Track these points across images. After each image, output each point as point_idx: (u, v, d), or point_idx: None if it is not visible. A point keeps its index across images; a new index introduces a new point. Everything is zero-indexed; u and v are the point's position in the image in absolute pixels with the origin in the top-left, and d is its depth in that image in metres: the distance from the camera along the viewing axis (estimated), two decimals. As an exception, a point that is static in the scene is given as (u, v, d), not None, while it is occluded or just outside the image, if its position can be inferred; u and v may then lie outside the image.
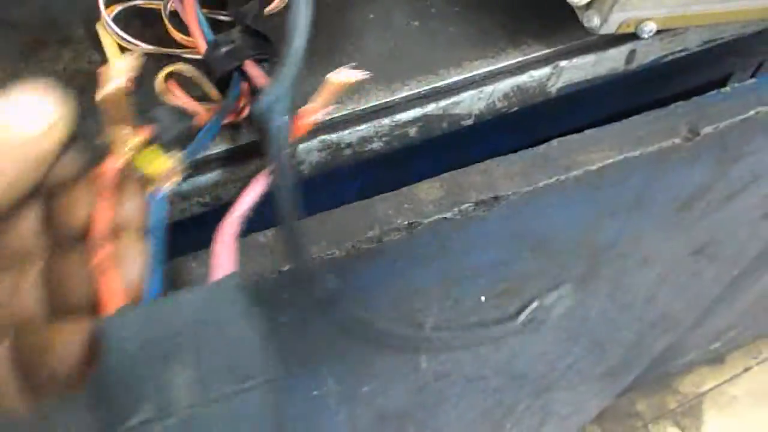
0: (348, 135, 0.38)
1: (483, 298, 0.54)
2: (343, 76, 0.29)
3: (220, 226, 0.28)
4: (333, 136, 0.38)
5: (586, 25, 0.39)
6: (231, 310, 0.24)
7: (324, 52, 0.40)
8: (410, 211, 0.41)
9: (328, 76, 0.29)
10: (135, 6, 0.40)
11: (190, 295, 0.25)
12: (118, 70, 0.26)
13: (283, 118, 0.29)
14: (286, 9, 0.40)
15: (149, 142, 0.30)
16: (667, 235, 0.60)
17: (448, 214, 0.41)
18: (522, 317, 0.59)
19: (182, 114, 0.34)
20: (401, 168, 0.47)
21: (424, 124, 0.40)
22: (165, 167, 0.28)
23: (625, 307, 0.73)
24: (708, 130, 0.46)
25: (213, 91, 0.36)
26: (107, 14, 0.38)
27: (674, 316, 0.84)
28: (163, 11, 0.39)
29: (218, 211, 0.38)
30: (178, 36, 0.38)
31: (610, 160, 0.44)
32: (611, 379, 0.99)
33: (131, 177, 0.28)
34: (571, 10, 0.40)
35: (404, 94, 0.39)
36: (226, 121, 0.35)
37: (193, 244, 0.37)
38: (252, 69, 0.34)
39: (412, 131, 0.40)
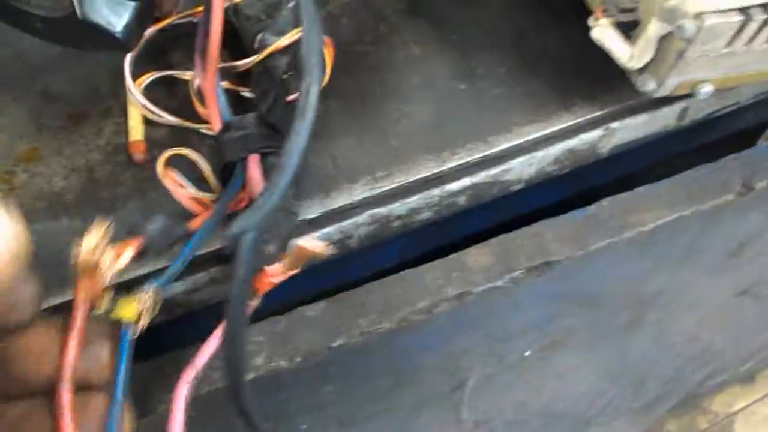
0: (398, 207, 0.37)
1: (527, 353, 0.53)
2: (311, 244, 0.27)
3: (176, 387, 0.27)
4: (383, 210, 0.37)
5: (640, 88, 0.38)
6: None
7: (369, 119, 0.39)
8: (460, 280, 0.40)
9: (299, 242, 0.27)
10: (168, 76, 0.39)
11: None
12: (87, 248, 0.25)
13: (248, 255, 0.27)
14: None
15: (139, 253, 0.29)
16: (714, 280, 0.58)
17: (499, 282, 0.40)
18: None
19: (174, 223, 0.32)
20: (444, 228, 0.46)
21: (473, 192, 0.39)
22: (137, 311, 0.27)
23: (667, 346, 0.71)
24: (762, 184, 0.44)
25: (212, 180, 0.36)
26: (135, 84, 0.38)
27: (715, 350, 0.82)
28: (191, 84, 0.38)
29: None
30: (201, 110, 0.38)
31: (663, 220, 0.42)
32: (647, 410, 0.97)
33: (100, 320, 0.26)
34: (621, 68, 0.39)
35: (454, 163, 0.38)
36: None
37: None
38: (253, 166, 0.33)
39: (461, 200, 0.39)
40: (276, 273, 0.28)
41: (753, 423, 1.58)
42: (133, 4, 0.31)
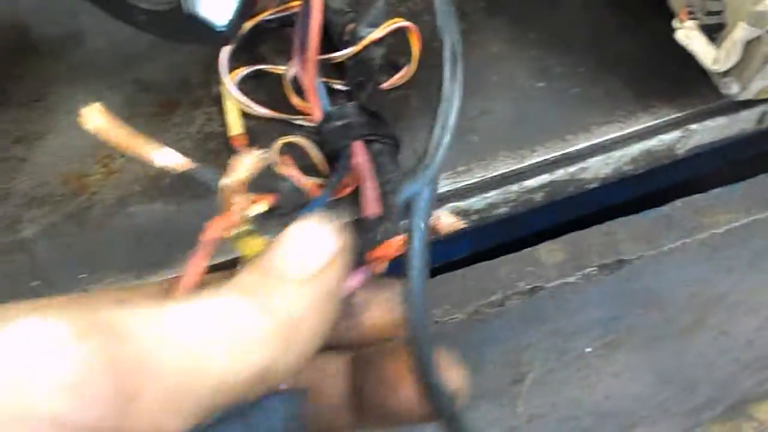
0: (477, 202, 0.38)
1: (588, 349, 0.53)
2: (446, 220, 0.29)
3: None
4: (463, 203, 0.38)
5: (723, 91, 0.38)
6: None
7: (450, 115, 0.40)
8: (533, 274, 0.40)
9: (434, 217, 0.28)
10: (259, 70, 0.41)
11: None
12: (243, 165, 0.26)
13: (423, 216, 0.27)
14: (403, 87, 0.40)
15: (271, 210, 0.29)
16: (779, 285, 0.58)
17: (571, 279, 0.41)
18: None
19: (299, 189, 0.34)
20: (514, 222, 0.47)
21: (550, 189, 0.40)
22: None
23: (724, 350, 0.71)
24: (840, 189, 0.44)
25: (322, 165, 0.37)
26: (230, 78, 0.39)
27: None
28: (284, 77, 0.40)
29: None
30: (296, 102, 0.39)
31: (737, 223, 0.42)
32: (696, 413, 0.96)
33: None
34: (700, 70, 0.39)
35: (533, 161, 0.38)
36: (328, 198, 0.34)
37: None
38: (359, 150, 0.34)
39: (538, 196, 0.40)
40: (449, 226, 0.29)
41: (799, 434, 1.55)
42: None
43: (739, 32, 0.35)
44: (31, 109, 0.41)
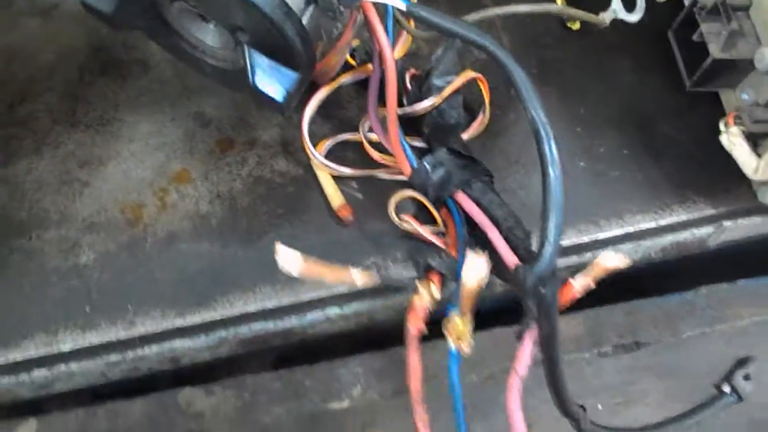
0: (504, 279, 0.40)
1: (600, 407, 0.55)
2: (611, 260, 0.30)
3: (507, 396, 0.31)
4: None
5: (760, 199, 0.39)
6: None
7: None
8: (550, 346, 0.42)
9: (598, 259, 0.31)
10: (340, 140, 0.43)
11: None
12: (474, 270, 0.30)
13: (554, 290, 0.31)
14: (482, 135, 0.43)
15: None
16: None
17: (586, 354, 0.42)
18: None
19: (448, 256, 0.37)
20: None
21: (576, 270, 0.41)
22: (465, 335, 0.32)
23: (741, 413, 0.71)
24: None
25: (435, 213, 0.39)
26: (318, 152, 0.41)
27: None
28: (363, 140, 0.42)
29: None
30: (377, 157, 0.41)
31: (759, 318, 0.43)
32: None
33: None
34: (738, 169, 0.39)
35: (564, 243, 0.40)
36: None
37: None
38: (465, 201, 0.37)
39: (565, 273, 0.41)
40: (579, 288, 0.32)
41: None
42: (294, 76, 0.34)
43: (783, 148, 0.36)
44: (97, 132, 0.44)
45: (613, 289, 0.47)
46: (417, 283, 0.34)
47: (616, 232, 0.40)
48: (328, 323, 0.39)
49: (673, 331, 0.42)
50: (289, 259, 0.29)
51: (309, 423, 0.41)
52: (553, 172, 0.32)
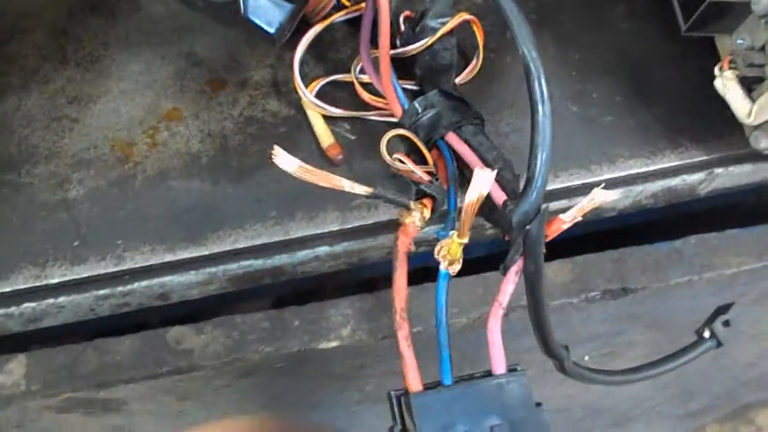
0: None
1: (586, 358, 0.55)
2: (603, 195, 0.30)
3: (488, 324, 0.31)
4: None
5: (752, 144, 0.38)
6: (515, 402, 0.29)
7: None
8: (538, 290, 0.42)
9: (593, 192, 0.31)
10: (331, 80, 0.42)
11: (481, 386, 0.29)
12: (481, 182, 0.30)
13: (540, 227, 0.31)
14: (476, 78, 0.42)
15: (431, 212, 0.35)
16: (786, 319, 0.59)
17: (574, 300, 0.42)
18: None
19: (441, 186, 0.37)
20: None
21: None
22: (458, 256, 0.32)
23: (725, 368, 0.72)
24: None
25: (426, 153, 0.38)
26: (309, 92, 0.41)
27: (771, 377, 0.83)
28: (354, 81, 0.41)
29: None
30: (368, 98, 0.41)
31: (747, 267, 0.43)
32: (690, 419, 0.98)
33: None
34: (731, 115, 0.39)
35: (554, 186, 0.40)
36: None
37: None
38: (456, 142, 0.37)
39: (554, 218, 0.41)
40: (567, 220, 0.32)
41: (796, 443, 1.56)
42: (288, 6, 0.33)
43: (776, 91, 0.36)
44: (86, 70, 0.43)
45: (603, 237, 0.48)
46: (410, 202, 0.34)
47: (608, 176, 0.40)
48: (318, 262, 0.39)
49: (661, 278, 0.43)
50: (285, 159, 0.29)
51: (297, 362, 0.42)
52: (542, 109, 0.32)
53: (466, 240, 0.32)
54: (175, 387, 0.43)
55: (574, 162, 0.40)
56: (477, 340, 0.45)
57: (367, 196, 0.32)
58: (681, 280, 0.43)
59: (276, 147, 0.29)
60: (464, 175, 0.38)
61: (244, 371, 0.42)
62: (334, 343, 0.41)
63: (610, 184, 0.40)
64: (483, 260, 0.44)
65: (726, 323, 0.41)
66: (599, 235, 0.53)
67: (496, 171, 0.30)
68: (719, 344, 0.40)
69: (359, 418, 0.59)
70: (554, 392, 0.65)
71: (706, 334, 0.41)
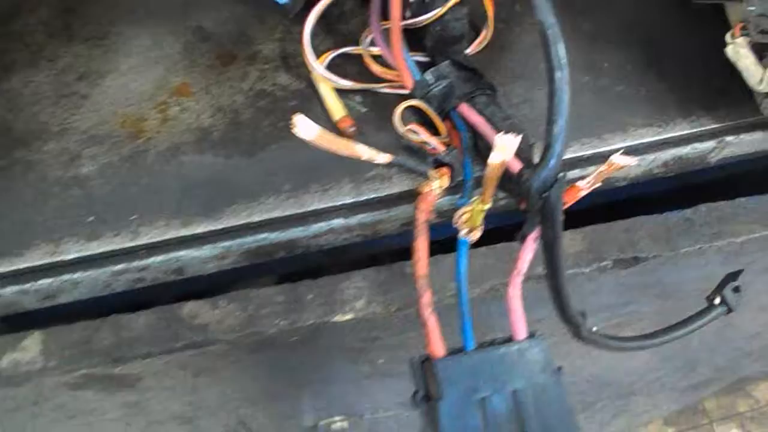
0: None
1: (595, 328, 0.56)
2: (621, 160, 0.30)
3: (508, 291, 0.32)
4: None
5: (763, 111, 0.39)
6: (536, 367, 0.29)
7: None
8: (550, 261, 0.42)
9: (610, 155, 0.31)
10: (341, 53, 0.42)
11: (503, 351, 0.29)
12: (504, 147, 0.30)
13: (559, 193, 0.31)
14: (486, 49, 0.42)
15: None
16: (791, 290, 0.59)
17: (586, 269, 0.43)
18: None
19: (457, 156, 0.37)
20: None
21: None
22: (479, 223, 0.33)
23: (728, 339, 0.73)
24: None
25: (439, 124, 0.38)
26: (320, 64, 0.41)
27: (773, 348, 0.83)
28: (364, 53, 0.41)
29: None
30: (378, 70, 0.41)
31: (756, 234, 0.44)
32: (692, 390, 0.99)
33: None
34: (742, 84, 0.39)
35: (567, 156, 0.40)
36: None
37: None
38: (470, 113, 0.37)
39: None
40: (585, 186, 0.32)
41: (793, 416, 1.58)
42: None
43: (789, 57, 0.36)
44: (94, 47, 0.43)
45: (613, 210, 0.48)
46: (429, 170, 0.34)
47: (620, 145, 0.40)
48: (332, 234, 0.39)
49: (672, 246, 0.43)
50: (305, 127, 0.29)
51: (312, 335, 0.42)
52: (560, 75, 0.32)
53: (489, 205, 0.32)
54: (190, 362, 0.43)
55: (586, 132, 0.40)
56: (489, 310, 0.45)
57: (386, 165, 0.32)
58: (691, 248, 0.43)
59: (297, 115, 0.29)
60: (477, 147, 0.38)
61: (258, 345, 0.42)
62: (348, 316, 0.41)
63: (623, 153, 0.40)
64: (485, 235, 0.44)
65: (736, 289, 0.41)
66: (610, 207, 0.53)
67: (519, 136, 0.30)
68: (730, 310, 0.41)
69: (368, 393, 0.59)
70: (562, 362, 0.66)
71: (717, 300, 0.41)
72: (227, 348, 0.41)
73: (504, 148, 0.29)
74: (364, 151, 0.31)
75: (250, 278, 0.53)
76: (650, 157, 0.41)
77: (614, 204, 0.54)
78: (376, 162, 0.32)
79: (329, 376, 0.53)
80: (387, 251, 0.50)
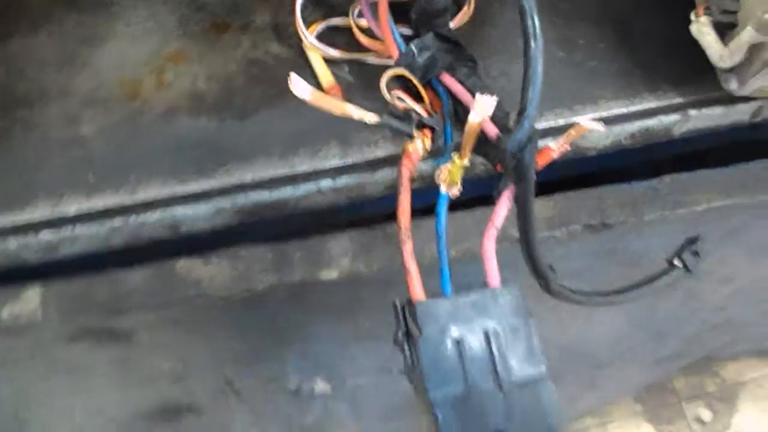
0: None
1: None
2: (588, 124, 0.33)
3: (483, 242, 0.34)
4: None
5: (723, 85, 0.41)
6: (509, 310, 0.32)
7: (473, 72, 0.44)
8: (524, 225, 0.45)
9: (578, 120, 0.34)
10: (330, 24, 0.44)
11: (477, 296, 0.32)
12: (483, 106, 0.33)
13: (532, 153, 0.34)
14: (468, 24, 0.45)
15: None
16: (753, 261, 0.63)
17: (557, 233, 0.45)
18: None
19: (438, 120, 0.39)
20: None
21: (552, 152, 0.44)
22: (458, 178, 0.36)
23: (695, 310, 0.76)
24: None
25: (423, 92, 0.40)
26: (310, 33, 0.43)
27: (739, 322, 0.87)
28: (353, 24, 0.43)
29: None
30: (365, 41, 0.43)
31: (717, 203, 0.47)
32: (661, 364, 1.03)
33: None
34: (706, 61, 0.42)
35: (541, 125, 0.42)
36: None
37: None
38: (451, 82, 0.39)
39: (540, 157, 0.44)
40: (555, 148, 0.35)
41: (758, 395, 1.63)
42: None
43: (746, 35, 0.39)
44: (94, 14, 0.45)
45: (583, 182, 0.51)
46: (413, 130, 0.36)
47: (590, 115, 0.43)
48: (320, 195, 0.42)
49: (637, 213, 0.46)
50: (301, 86, 0.31)
51: (300, 291, 0.44)
52: (534, 44, 0.34)
53: (466, 162, 0.34)
54: (182, 318, 0.46)
55: (559, 103, 0.43)
56: (466, 270, 0.48)
57: (374, 124, 0.34)
58: (655, 216, 0.46)
59: (292, 74, 0.31)
60: (458, 114, 0.40)
61: (247, 302, 0.45)
62: (333, 274, 0.43)
63: (593, 124, 0.43)
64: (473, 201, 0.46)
65: (695, 253, 0.44)
66: (580, 179, 0.56)
67: (496, 98, 0.33)
68: (689, 271, 0.44)
69: (352, 356, 0.62)
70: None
71: (676, 262, 0.44)
72: (220, 304, 0.44)
73: (483, 107, 0.32)
74: (354, 111, 0.34)
75: (240, 242, 0.55)
76: (618, 128, 0.43)
77: (585, 177, 0.57)
78: (365, 121, 0.34)
79: (315, 335, 0.55)
80: (370, 217, 0.53)
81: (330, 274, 0.43)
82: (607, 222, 0.46)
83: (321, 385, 0.67)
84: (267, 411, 0.73)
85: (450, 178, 0.35)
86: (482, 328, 0.31)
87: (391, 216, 0.44)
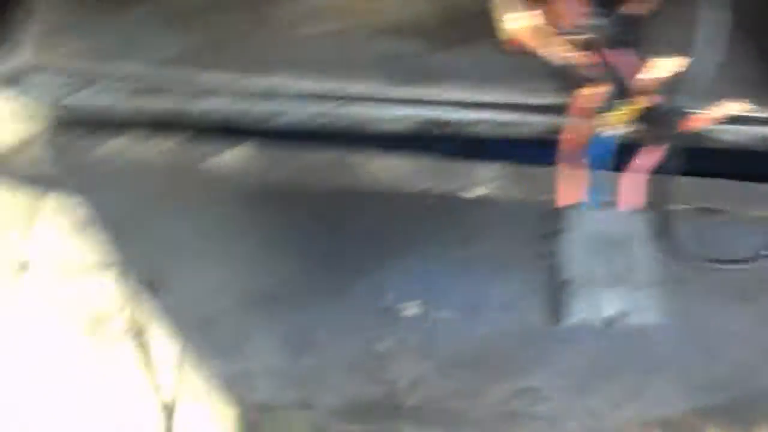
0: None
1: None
2: (736, 106, 0.41)
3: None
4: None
5: None
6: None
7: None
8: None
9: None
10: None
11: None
12: (662, 66, 0.41)
13: (684, 116, 0.42)
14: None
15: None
16: None
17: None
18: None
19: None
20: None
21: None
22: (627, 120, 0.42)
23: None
24: None
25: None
26: None
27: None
28: None
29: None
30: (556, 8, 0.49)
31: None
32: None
33: None
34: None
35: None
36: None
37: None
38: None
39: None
40: (699, 120, 0.42)
41: None
42: None
43: None
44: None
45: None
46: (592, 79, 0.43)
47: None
48: (487, 125, 0.50)
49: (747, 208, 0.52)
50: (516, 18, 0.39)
51: (451, 205, 0.53)
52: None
53: (639, 108, 0.42)
54: (327, 211, 0.55)
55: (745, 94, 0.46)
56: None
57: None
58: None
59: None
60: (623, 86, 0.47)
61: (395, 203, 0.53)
62: (478, 192, 0.51)
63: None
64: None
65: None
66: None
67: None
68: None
69: (457, 284, 0.69)
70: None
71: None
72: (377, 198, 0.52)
73: (662, 67, 0.39)
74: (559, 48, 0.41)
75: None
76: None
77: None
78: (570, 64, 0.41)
79: (428, 255, 0.63)
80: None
81: (474, 193, 0.51)
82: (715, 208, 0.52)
83: (413, 310, 0.75)
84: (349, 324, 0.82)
85: (618, 120, 0.42)
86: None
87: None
